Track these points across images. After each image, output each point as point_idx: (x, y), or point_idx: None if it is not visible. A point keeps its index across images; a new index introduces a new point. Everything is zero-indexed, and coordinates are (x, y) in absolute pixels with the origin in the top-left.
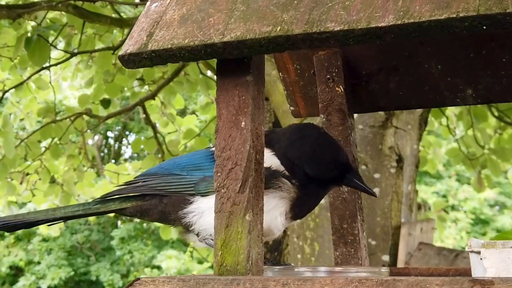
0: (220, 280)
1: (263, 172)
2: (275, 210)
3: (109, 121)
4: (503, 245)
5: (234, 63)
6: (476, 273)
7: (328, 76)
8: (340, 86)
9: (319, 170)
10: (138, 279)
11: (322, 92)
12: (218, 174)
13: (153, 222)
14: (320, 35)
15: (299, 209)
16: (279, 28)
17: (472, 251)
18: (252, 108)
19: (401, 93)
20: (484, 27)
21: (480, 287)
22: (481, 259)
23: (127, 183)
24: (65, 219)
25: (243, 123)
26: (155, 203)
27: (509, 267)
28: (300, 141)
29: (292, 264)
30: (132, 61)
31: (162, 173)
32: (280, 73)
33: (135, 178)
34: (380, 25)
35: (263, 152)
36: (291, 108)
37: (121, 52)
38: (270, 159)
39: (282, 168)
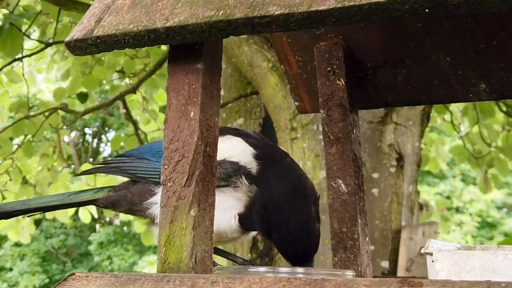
0: (151, 277)
1: (215, 166)
2: (231, 211)
3: (87, 116)
4: (483, 249)
5: (185, 50)
6: (431, 276)
7: (328, 69)
8: (341, 79)
9: (279, 236)
10: (73, 274)
11: (322, 86)
12: (165, 166)
13: (133, 227)
14: (261, 20)
15: (248, 219)
16: (221, 12)
17: (426, 253)
18: (202, 97)
19: (409, 87)
20: (427, 10)
21: None
22: (432, 261)
23: (103, 162)
24: (41, 209)
25: (192, 113)
26: (125, 193)
27: (461, 270)
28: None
29: (252, 264)
30: (79, 47)
31: (136, 156)
32: (282, 66)
33: (113, 158)
34: (320, 9)
35: (215, 144)
36: (296, 103)
37: (67, 38)
38: (243, 155)
39: (250, 166)
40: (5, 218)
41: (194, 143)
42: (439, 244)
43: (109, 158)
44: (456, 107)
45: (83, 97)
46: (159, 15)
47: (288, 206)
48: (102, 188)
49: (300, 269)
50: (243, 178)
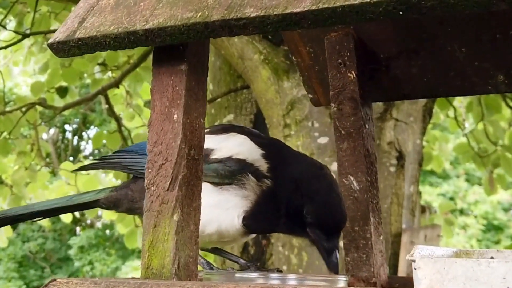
0: (129, 284)
1: (201, 169)
2: (233, 210)
3: (66, 112)
4: (480, 254)
5: (169, 51)
6: (416, 285)
7: (339, 61)
8: (353, 72)
9: (316, 209)
10: (54, 280)
11: (333, 78)
12: (149, 170)
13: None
14: (237, 22)
15: (255, 218)
16: (200, 14)
17: (411, 260)
18: (186, 99)
19: (425, 79)
20: (401, 12)
21: None
22: (415, 269)
23: (102, 158)
24: (44, 214)
25: (175, 115)
26: (125, 192)
27: (444, 278)
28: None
29: (256, 266)
30: (61, 49)
31: (137, 152)
32: (293, 57)
33: (112, 153)
34: (295, 11)
35: (201, 147)
36: (310, 95)
37: (50, 39)
38: (250, 153)
39: (259, 164)
40: (11, 224)
41: (177, 146)
42: (428, 250)
43: (109, 154)
44: (460, 102)
45: (62, 92)
46: (139, 16)
47: (319, 180)
48: (104, 188)
49: (291, 276)
50: (250, 175)
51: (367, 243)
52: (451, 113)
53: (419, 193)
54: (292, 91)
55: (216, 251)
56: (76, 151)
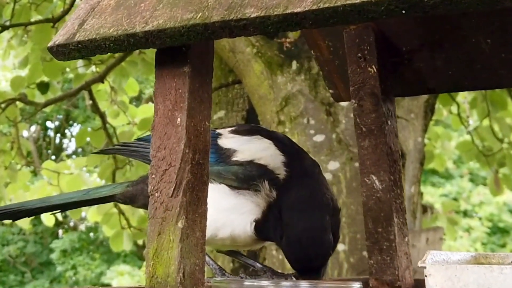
0: None
1: (207, 174)
2: (247, 216)
3: (48, 109)
4: (501, 258)
5: (171, 53)
6: None
7: (359, 55)
8: (373, 66)
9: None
10: None
11: (353, 73)
12: (153, 176)
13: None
14: (237, 23)
15: (263, 227)
16: (200, 14)
17: (423, 267)
18: (189, 102)
19: (450, 72)
20: (403, 11)
21: None
22: (425, 276)
23: (123, 144)
24: (61, 207)
25: (178, 119)
26: (142, 187)
27: (455, 286)
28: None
29: (272, 271)
30: (62, 53)
31: None
32: (312, 51)
33: (134, 140)
34: (296, 11)
35: (206, 152)
36: (330, 91)
37: (50, 43)
38: (272, 159)
39: (278, 172)
40: (28, 216)
41: (181, 151)
42: (443, 255)
43: (124, 142)
44: (464, 98)
45: (44, 87)
46: (139, 17)
47: (300, 212)
48: (121, 183)
49: (303, 283)
50: (266, 183)
51: (390, 245)
52: (454, 109)
53: (420, 194)
54: (286, 86)
55: (232, 253)
56: (59, 149)
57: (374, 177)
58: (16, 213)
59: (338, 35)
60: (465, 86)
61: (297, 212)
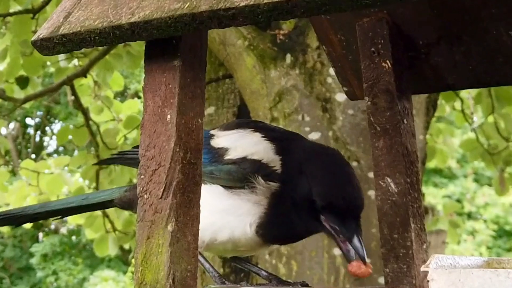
0: None
1: (199, 173)
2: (245, 217)
3: (28, 105)
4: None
5: (161, 45)
6: None
7: (372, 49)
8: (387, 61)
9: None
10: None
11: (366, 69)
12: (142, 176)
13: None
14: (226, 12)
15: (271, 226)
16: (187, 4)
17: (425, 271)
18: (180, 98)
19: (470, 67)
20: None
21: None
22: (428, 281)
23: (121, 152)
24: (61, 212)
25: (168, 116)
26: None
27: None
28: (325, 160)
29: (278, 279)
30: (46, 47)
31: None
32: (324, 46)
33: (132, 148)
34: None
35: (199, 150)
36: (344, 88)
37: (34, 36)
38: (265, 152)
39: (274, 164)
40: (30, 222)
41: (171, 149)
42: (450, 259)
43: (129, 149)
44: (468, 93)
45: (23, 82)
46: (126, 8)
47: (322, 157)
48: (119, 187)
49: None
50: (259, 178)
51: (407, 252)
52: (457, 105)
53: (422, 195)
54: (280, 81)
55: (236, 260)
56: (39, 147)
57: (389, 180)
58: (17, 218)
59: (351, 28)
60: (487, 81)
61: (322, 163)
